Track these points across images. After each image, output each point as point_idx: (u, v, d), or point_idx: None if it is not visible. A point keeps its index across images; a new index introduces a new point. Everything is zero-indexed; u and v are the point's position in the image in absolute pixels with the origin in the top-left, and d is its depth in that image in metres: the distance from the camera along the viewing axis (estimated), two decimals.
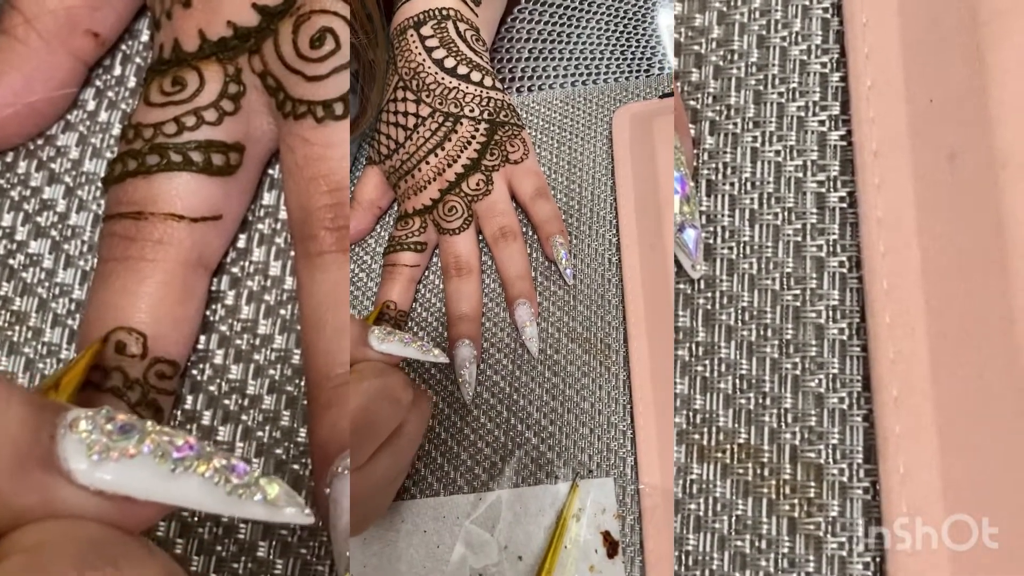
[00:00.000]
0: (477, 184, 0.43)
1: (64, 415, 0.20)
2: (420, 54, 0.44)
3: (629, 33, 0.57)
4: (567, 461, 0.36)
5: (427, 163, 0.43)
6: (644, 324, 0.38)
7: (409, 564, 0.36)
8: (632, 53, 0.56)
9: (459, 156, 0.43)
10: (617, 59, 0.55)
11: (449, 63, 0.44)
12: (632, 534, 0.34)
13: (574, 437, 0.37)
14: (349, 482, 0.28)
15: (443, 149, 0.43)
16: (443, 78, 0.44)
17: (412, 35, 0.45)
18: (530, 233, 0.44)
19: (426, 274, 0.44)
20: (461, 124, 0.43)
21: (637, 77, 0.55)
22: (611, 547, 0.34)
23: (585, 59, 0.55)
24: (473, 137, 0.43)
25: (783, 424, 0.29)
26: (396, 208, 0.47)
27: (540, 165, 0.46)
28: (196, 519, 0.31)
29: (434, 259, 0.45)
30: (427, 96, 0.43)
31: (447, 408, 0.39)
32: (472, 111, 0.43)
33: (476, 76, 0.44)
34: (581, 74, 0.55)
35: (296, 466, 0.31)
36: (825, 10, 0.32)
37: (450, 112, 0.43)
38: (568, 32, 0.56)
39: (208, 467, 0.20)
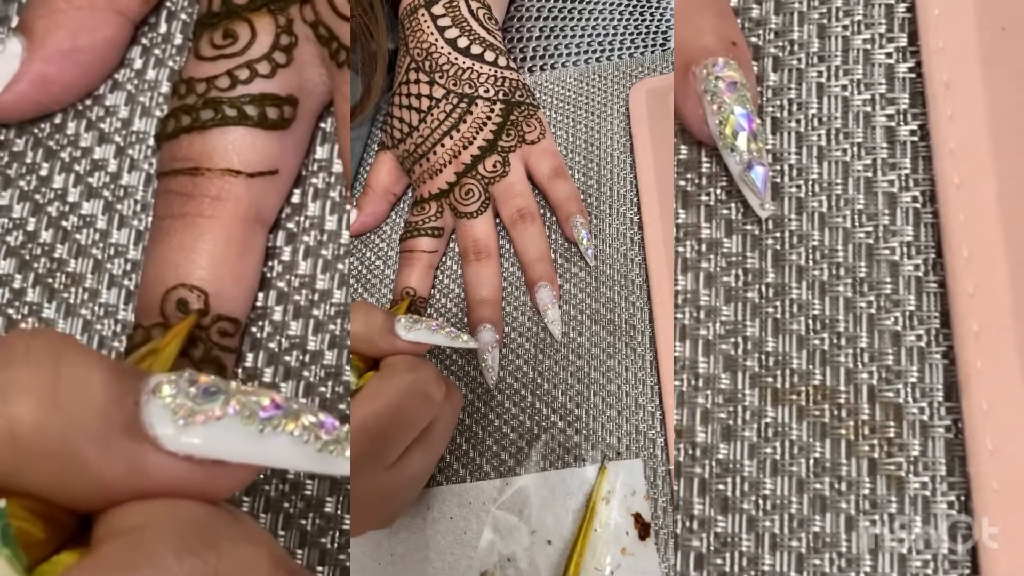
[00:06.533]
0: (494, 166, 0.42)
1: (147, 381, 0.20)
2: (432, 34, 0.43)
3: (643, 7, 0.55)
4: (595, 444, 0.35)
5: (442, 146, 0.42)
6: (670, 303, 0.37)
7: (437, 551, 0.35)
8: (647, 27, 0.54)
9: (475, 137, 0.42)
10: (631, 34, 0.54)
11: (462, 43, 0.43)
12: (664, 516, 0.33)
13: (601, 420, 0.36)
14: (379, 480, 0.28)
15: (458, 131, 0.42)
16: (456, 58, 0.42)
17: (423, 14, 0.43)
18: (548, 215, 0.43)
19: (443, 260, 0.43)
20: (476, 105, 0.42)
21: (652, 52, 0.53)
22: (643, 529, 0.33)
23: (598, 35, 0.54)
24: (488, 118, 0.42)
25: (859, 364, 0.28)
26: (411, 193, 0.46)
27: (556, 145, 0.44)
28: (262, 476, 0.31)
29: (451, 244, 0.44)
30: (440, 77, 0.42)
31: (470, 394, 0.38)
32: (487, 91, 0.42)
33: (490, 56, 0.43)
34: (595, 51, 0.53)
35: None
36: None
37: (464, 93, 0.42)
38: (580, 8, 0.55)
39: (296, 425, 0.20)
